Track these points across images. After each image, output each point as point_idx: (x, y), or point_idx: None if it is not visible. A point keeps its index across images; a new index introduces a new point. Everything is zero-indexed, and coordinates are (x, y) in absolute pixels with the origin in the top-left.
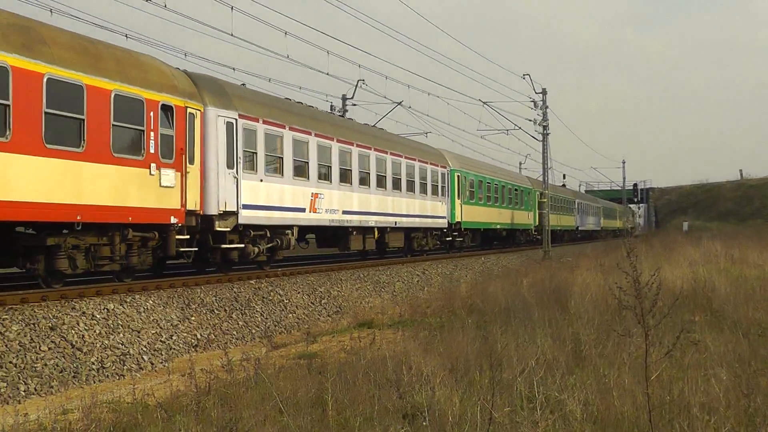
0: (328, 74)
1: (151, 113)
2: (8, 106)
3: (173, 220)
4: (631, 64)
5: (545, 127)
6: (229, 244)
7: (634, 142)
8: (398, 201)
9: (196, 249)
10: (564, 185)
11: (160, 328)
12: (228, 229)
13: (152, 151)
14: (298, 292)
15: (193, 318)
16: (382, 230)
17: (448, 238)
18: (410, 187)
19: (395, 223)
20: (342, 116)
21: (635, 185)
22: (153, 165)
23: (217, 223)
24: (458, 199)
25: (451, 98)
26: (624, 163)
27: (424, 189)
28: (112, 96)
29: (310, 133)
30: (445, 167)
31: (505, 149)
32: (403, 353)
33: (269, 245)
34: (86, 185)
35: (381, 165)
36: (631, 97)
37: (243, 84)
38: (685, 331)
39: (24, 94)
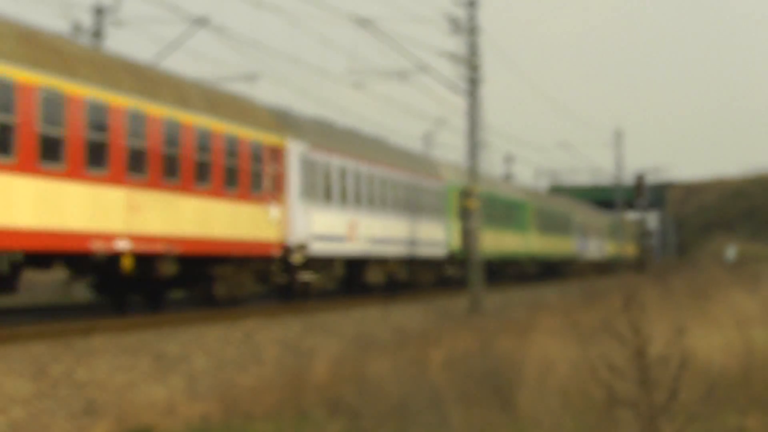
0: None
1: (265, 153)
2: (210, 163)
3: (275, 252)
4: None
5: (475, 69)
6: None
7: (639, 102)
8: (406, 227)
9: (289, 280)
10: (508, 178)
11: None
12: (299, 259)
13: (265, 187)
14: (12, 375)
15: None
16: (393, 261)
17: (447, 272)
18: (417, 209)
19: (405, 252)
20: (96, 44)
21: (640, 178)
22: (266, 200)
23: (293, 253)
24: (453, 221)
25: (301, 14)
26: (620, 137)
27: (426, 211)
28: (251, 143)
29: (348, 156)
30: (440, 180)
31: (399, 108)
32: None
33: (323, 275)
34: (240, 222)
35: (393, 185)
36: (633, 22)
37: None
38: None
39: (218, 152)
